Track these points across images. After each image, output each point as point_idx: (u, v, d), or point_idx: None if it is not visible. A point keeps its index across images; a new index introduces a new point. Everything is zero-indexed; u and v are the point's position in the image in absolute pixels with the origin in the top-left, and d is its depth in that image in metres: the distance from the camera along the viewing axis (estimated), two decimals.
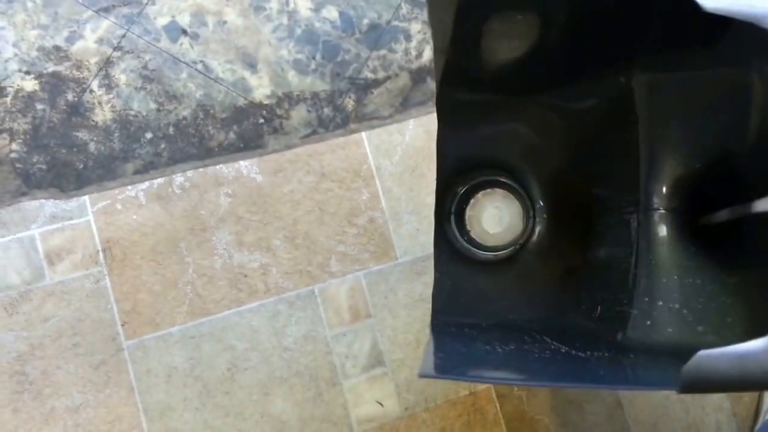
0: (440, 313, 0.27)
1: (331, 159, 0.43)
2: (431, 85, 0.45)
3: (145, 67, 0.42)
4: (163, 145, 0.42)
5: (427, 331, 0.43)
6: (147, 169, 0.41)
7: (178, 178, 0.42)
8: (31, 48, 0.41)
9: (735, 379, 0.18)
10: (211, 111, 0.43)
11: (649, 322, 0.24)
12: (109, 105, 0.42)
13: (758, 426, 0.43)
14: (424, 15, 0.46)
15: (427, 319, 0.43)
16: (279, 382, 0.41)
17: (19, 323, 0.39)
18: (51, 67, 0.41)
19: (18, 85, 0.41)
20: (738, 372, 0.18)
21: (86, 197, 0.41)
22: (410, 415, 0.42)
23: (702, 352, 0.18)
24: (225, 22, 0.43)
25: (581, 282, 0.30)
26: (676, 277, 0.25)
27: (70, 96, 0.41)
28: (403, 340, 0.43)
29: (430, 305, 0.43)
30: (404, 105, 0.45)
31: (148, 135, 0.42)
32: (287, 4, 0.44)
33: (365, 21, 0.45)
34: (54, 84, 0.41)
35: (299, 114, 0.43)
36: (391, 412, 0.42)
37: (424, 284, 0.43)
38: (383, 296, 0.43)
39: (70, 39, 0.42)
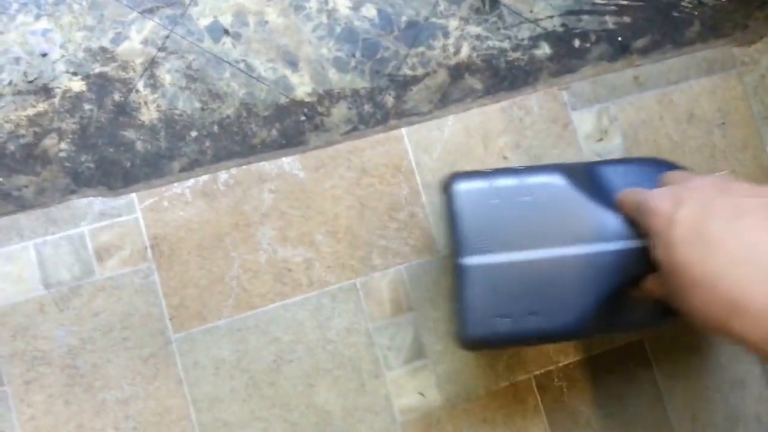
0: None
1: (371, 155, 0.45)
2: (469, 81, 0.47)
3: (189, 67, 0.44)
4: (207, 143, 0.44)
5: None
6: (192, 166, 0.43)
7: (223, 175, 0.44)
8: (78, 49, 0.43)
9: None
10: (254, 109, 0.45)
11: None
12: (155, 104, 0.44)
13: None
14: (462, 11, 0.47)
15: None
16: (323, 373, 0.43)
17: (69, 318, 0.41)
18: (97, 68, 0.43)
19: (66, 86, 0.43)
20: None
21: (134, 195, 0.43)
22: (452, 406, 0.44)
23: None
24: (266, 22, 0.45)
25: None
26: None
27: (116, 96, 0.43)
28: (444, 332, 0.44)
29: None
30: (443, 101, 0.46)
31: (193, 133, 0.44)
32: (326, 3, 0.46)
33: (403, 18, 0.46)
34: (101, 84, 0.43)
35: (340, 111, 0.45)
36: (432, 402, 0.44)
37: None
38: (425, 289, 0.44)
39: (116, 40, 0.44)
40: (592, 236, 0.34)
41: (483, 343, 0.35)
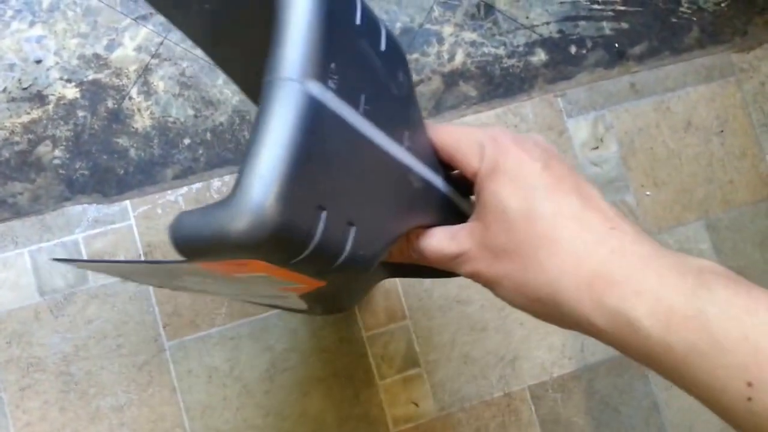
0: None
1: None
2: (463, 87, 0.47)
3: (182, 74, 0.44)
4: (200, 151, 0.44)
5: (462, 333, 0.45)
6: (186, 174, 0.43)
7: (216, 183, 0.43)
8: (71, 56, 0.43)
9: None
10: (247, 116, 0.44)
11: None
12: (148, 112, 0.44)
13: None
14: (456, 17, 0.47)
15: (462, 321, 0.45)
16: (317, 382, 0.43)
17: (64, 325, 0.41)
18: (91, 75, 0.43)
19: (60, 93, 0.43)
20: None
21: (128, 202, 0.43)
22: (446, 416, 0.44)
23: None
24: None
25: None
26: None
27: (110, 103, 0.43)
28: (437, 342, 0.44)
29: (464, 308, 0.45)
30: (437, 108, 0.46)
31: (186, 141, 0.44)
32: None
33: (398, 25, 0.46)
34: (94, 91, 0.43)
35: None
36: (426, 412, 0.44)
37: (459, 286, 0.44)
38: (418, 298, 0.44)
39: (110, 47, 0.44)
40: (427, 158, 0.26)
41: (275, 237, 0.18)
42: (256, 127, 0.19)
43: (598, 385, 0.45)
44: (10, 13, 0.43)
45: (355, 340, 0.43)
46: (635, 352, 0.22)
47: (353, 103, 0.21)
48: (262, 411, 0.42)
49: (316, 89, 0.20)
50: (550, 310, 0.24)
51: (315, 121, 0.19)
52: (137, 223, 0.42)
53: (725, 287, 0.21)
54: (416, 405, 0.44)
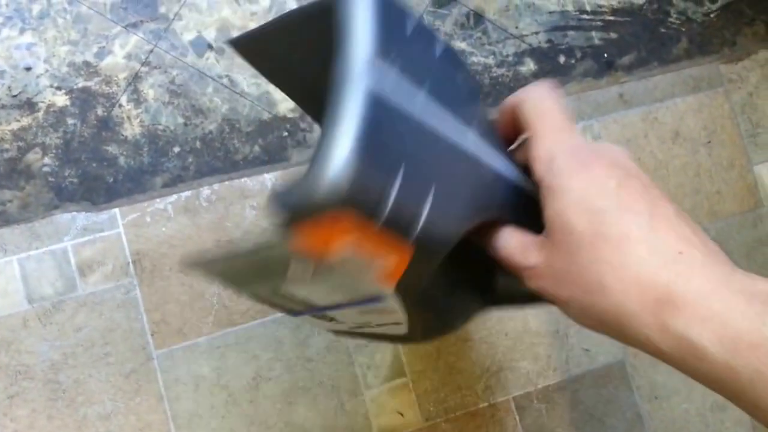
0: None
1: None
2: None
3: (172, 82, 0.44)
4: (190, 159, 0.44)
5: (448, 343, 0.45)
6: (175, 182, 0.43)
7: (205, 191, 0.43)
8: (61, 64, 0.43)
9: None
10: (237, 125, 0.44)
11: None
12: (138, 120, 0.44)
13: None
14: (446, 26, 0.47)
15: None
16: (302, 392, 0.43)
17: (52, 333, 0.41)
18: (81, 83, 0.43)
19: (49, 101, 0.43)
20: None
21: (116, 210, 0.43)
22: (431, 426, 0.44)
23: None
24: None
25: None
26: None
27: (99, 111, 0.43)
28: (423, 352, 0.44)
29: None
30: None
31: (176, 149, 0.44)
32: None
33: None
34: (84, 99, 0.43)
35: None
36: (412, 422, 0.44)
37: None
38: None
39: (100, 54, 0.44)
40: (497, 147, 0.27)
41: (358, 183, 0.20)
42: (333, 105, 0.21)
43: (582, 395, 0.45)
44: (0, 20, 0.43)
45: (341, 350, 0.44)
46: (700, 376, 0.23)
47: (418, 82, 0.24)
48: (247, 420, 0.42)
49: (383, 67, 0.22)
50: (616, 333, 0.24)
51: (383, 97, 0.22)
52: (126, 231, 0.42)
53: None
54: (402, 415, 0.44)
